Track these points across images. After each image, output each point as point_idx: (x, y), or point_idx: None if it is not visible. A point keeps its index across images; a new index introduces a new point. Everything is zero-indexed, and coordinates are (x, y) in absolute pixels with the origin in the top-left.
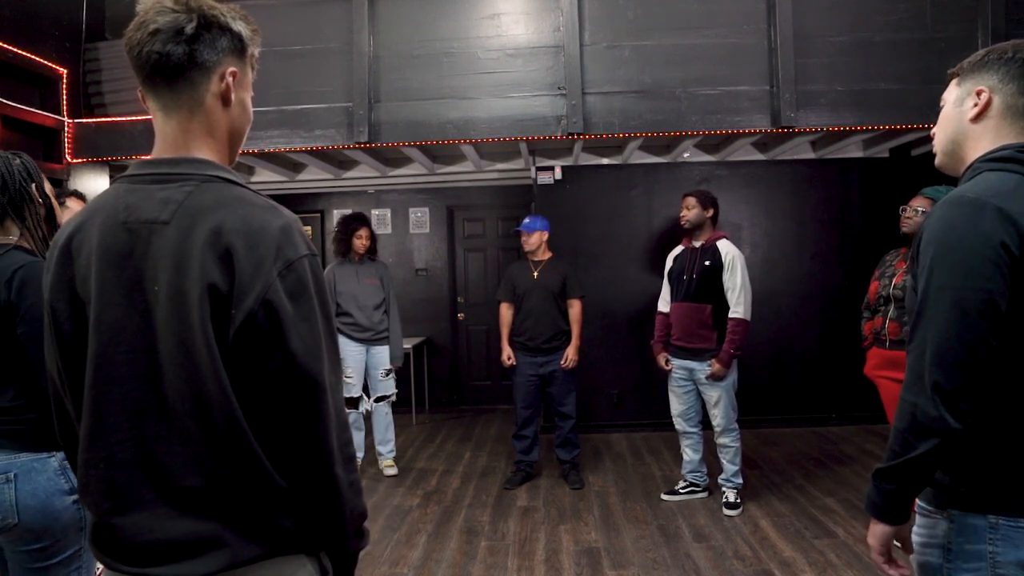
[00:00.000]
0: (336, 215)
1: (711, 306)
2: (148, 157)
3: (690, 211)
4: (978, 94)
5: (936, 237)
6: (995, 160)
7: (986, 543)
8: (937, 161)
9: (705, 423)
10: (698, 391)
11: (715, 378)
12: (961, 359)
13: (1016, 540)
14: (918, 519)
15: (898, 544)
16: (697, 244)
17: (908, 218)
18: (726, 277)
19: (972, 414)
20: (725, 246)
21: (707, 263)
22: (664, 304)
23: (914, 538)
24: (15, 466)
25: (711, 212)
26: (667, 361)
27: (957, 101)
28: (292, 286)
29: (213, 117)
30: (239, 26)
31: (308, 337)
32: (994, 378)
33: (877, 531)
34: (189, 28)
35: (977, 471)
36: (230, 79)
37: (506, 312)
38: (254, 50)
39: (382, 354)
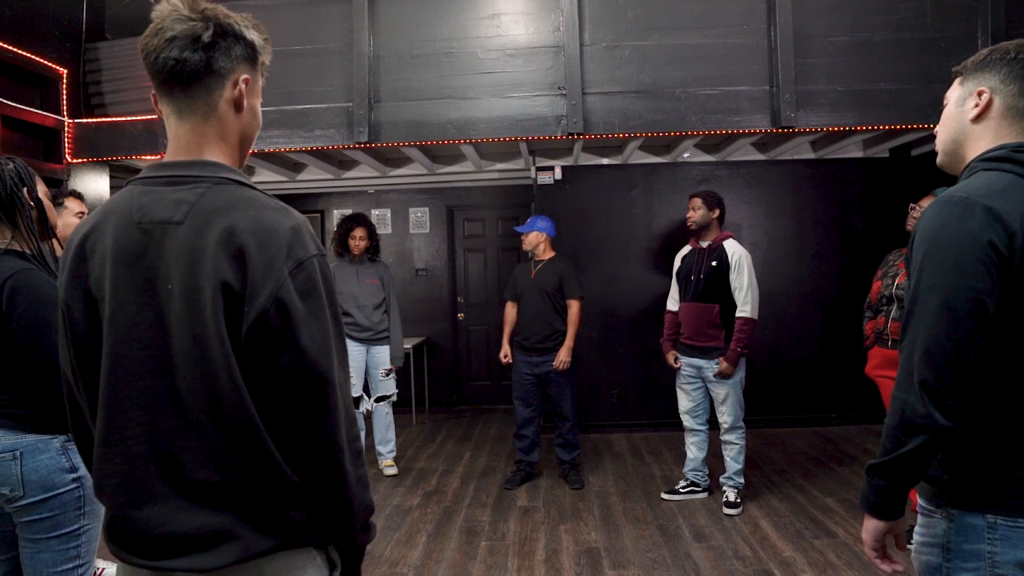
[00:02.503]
0: (336, 215)
1: (719, 306)
2: (161, 160)
3: (696, 212)
4: (979, 94)
5: (926, 236)
6: (990, 160)
7: (985, 543)
8: (938, 160)
9: (711, 423)
10: (706, 389)
11: (723, 376)
12: (949, 357)
13: (1015, 540)
14: (919, 518)
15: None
16: (704, 244)
17: (915, 217)
18: (733, 277)
19: (961, 411)
20: (731, 246)
21: (714, 263)
22: (673, 303)
23: (915, 537)
24: (21, 445)
25: (717, 212)
26: (676, 359)
27: (959, 101)
28: (302, 285)
29: (226, 122)
30: (252, 35)
31: (318, 334)
32: (989, 376)
33: (870, 526)
34: (206, 36)
35: (975, 470)
36: (243, 86)
37: (510, 311)
38: (265, 58)
39: (382, 354)
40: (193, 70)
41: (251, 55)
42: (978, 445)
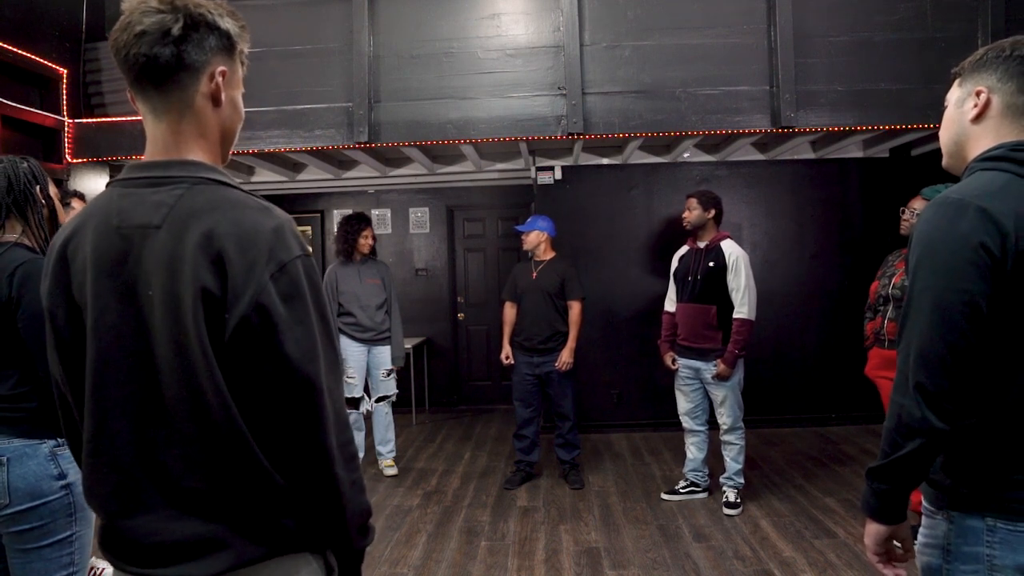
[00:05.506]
0: (336, 215)
1: (716, 307)
2: (140, 160)
3: (692, 212)
4: (977, 94)
5: (921, 239)
6: (988, 159)
7: (984, 545)
8: (944, 163)
9: (711, 423)
10: (705, 390)
11: (720, 378)
12: (944, 360)
13: (1014, 544)
14: (923, 519)
15: (898, 544)
16: (701, 245)
17: (906, 220)
18: (730, 278)
19: (958, 414)
20: (729, 247)
21: (711, 264)
22: (670, 304)
23: (918, 538)
24: (8, 451)
25: (712, 213)
26: (673, 360)
27: (958, 102)
28: (285, 288)
29: (204, 118)
30: (227, 23)
31: (303, 339)
32: (988, 379)
33: (872, 530)
34: (176, 29)
35: (976, 473)
36: (220, 79)
37: (508, 311)
38: (243, 46)
39: (384, 354)
40: (165, 66)
41: (227, 45)
42: (979, 448)
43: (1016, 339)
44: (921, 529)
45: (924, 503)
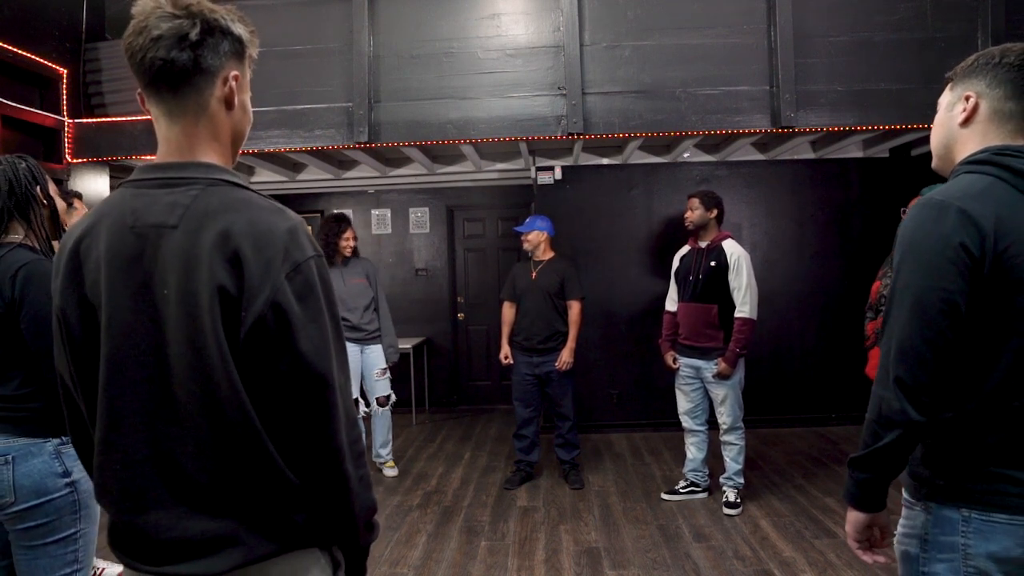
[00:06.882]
0: None
1: (717, 306)
2: (153, 162)
3: (694, 212)
4: (966, 99)
5: (904, 238)
6: (972, 163)
7: (959, 535)
8: (933, 164)
9: (711, 423)
10: (705, 389)
11: (722, 377)
12: (922, 355)
13: (987, 533)
14: (903, 510)
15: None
16: (703, 244)
17: None
18: (731, 277)
19: (935, 407)
20: (730, 246)
21: (712, 263)
22: (671, 303)
23: (898, 528)
24: (13, 449)
25: (715, 213)
26: (674, 360)
27: (948, 106)
28: (300, 288)
29: (217, 121)
30: (239, 28)
31: (316, 337)
32: (965, 374)
33: (852, 518)
34: (193, 34)
35: (952, 465)
36: (233, 82)
37: (508, 311)
38: (252, 51)
39: (376, 353)
40: (182, 70)
41: (239, 50)
42: (955, 441)
43: (992, 336)
44: (901, 520)
45: (904, 494)
